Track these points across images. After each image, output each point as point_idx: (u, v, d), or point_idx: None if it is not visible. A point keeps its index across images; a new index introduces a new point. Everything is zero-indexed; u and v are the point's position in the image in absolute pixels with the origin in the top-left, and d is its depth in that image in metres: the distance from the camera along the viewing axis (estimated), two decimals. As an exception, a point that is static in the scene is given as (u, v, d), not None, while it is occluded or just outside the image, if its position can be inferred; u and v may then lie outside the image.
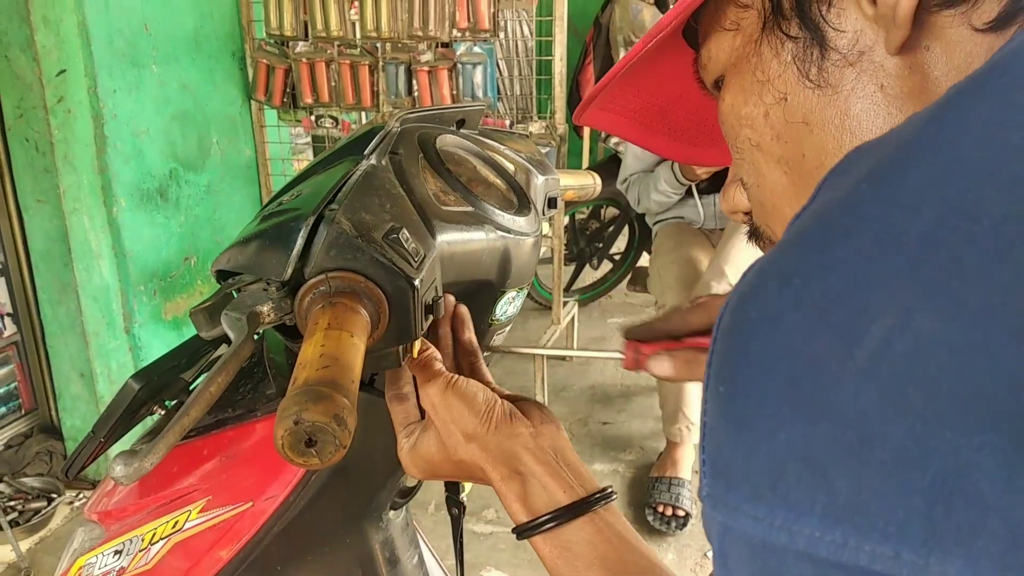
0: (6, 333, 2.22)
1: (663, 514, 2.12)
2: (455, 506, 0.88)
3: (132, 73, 2.15)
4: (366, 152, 0.58)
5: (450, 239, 0.57)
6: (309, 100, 2.60)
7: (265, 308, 0.50)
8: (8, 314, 2.23)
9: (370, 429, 0.68)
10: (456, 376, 0.55)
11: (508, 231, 0.64)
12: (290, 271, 0.48)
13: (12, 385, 2.27)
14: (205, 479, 0.66)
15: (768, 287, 0.28)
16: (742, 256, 2.15)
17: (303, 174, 0.61)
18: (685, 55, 0.50)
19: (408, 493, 0.81)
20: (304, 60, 2.54)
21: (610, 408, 2.78)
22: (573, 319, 3.16)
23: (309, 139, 2.83)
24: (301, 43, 2.55)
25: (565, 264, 3.22)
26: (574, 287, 3.72)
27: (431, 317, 0.53)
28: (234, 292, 0.53)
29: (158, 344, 2.33)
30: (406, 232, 0.51)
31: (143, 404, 0.71)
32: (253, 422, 0.65)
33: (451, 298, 0.62)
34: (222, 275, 0.54)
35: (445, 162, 0.66)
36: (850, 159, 0.30)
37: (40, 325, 2.26)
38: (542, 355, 2.66)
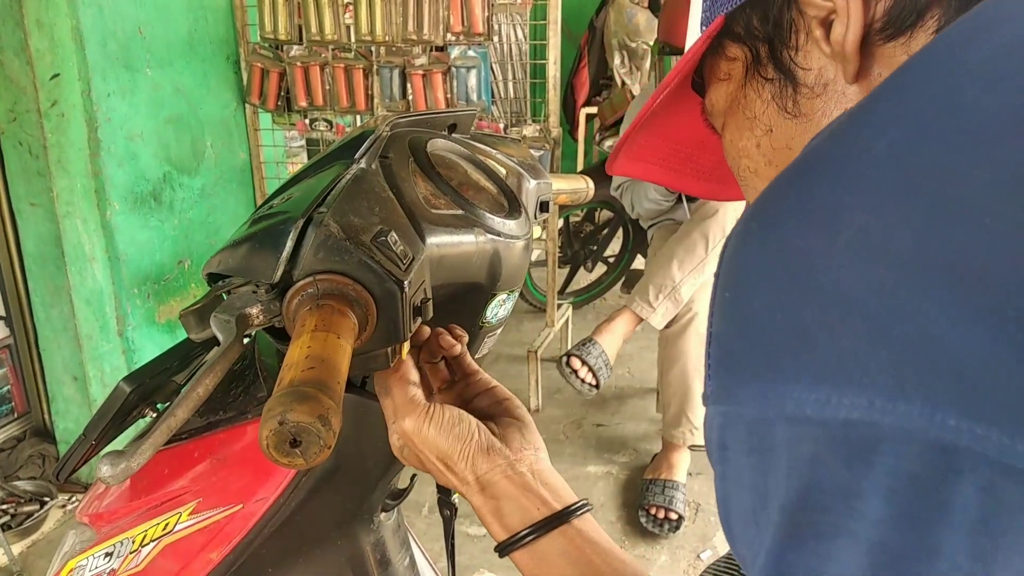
0: (-1, 336, 2.22)
1: (656, 516, 2.13)
2: (447, 508, 0.88)
3: (126, 77, 2.16)
4: (356, 156, 0.58)
5: (439, 242, 0.58)
6: (303, 103, 2.60)
7: (254, 310, 0.50)
8: (1, 317, 2.22)
9: (361, 431, 0.68)
10: (433, 406, 0.56)
11: (498, 234, 0.64)
12: (279, 273, 0.48)
13: (5, 388, 2.27)
14: (196, 481, 0.66)
15: (766, 206, 0.34)
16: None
17: (294, 178, 0.61)
18: (697, 103, 0.56)
19: (400, 495, 0.81)
20: (298, 64, 2.55)
21: (604, 410, 2.79)
22: (567, 322, 3.16)
23: (303, 142, 2.84)
24: (295, 47, 2.55)
25: (559, 267, 3.23)
26: (568, 290, 3.72)
27: (419, 319, 0.53)
28: (224, 295, 0.54)
29: (151, 347, 2.33)
30: (394, 235, 0.52)
31: (134, 407, 0.72)
32: (244, 424, 0.65)
33: (426, 329, 0.61)
34: (213, 278, 0.54)
35: (435, 166, 0.66)
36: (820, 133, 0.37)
37: (33, 328, 2.25)
38: (536, 357, 2.67)
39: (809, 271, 0.30)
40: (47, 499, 2.16)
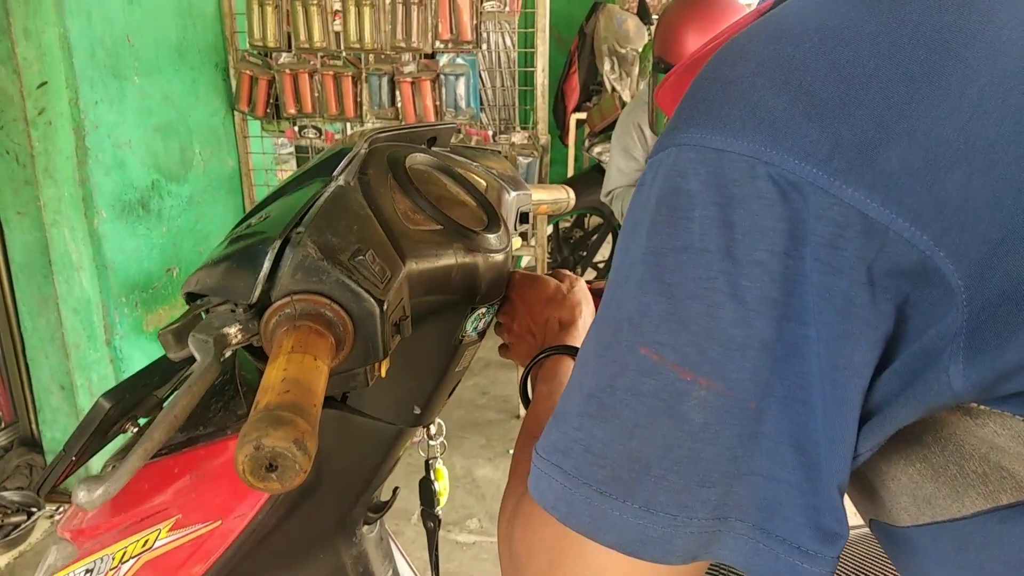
0: (-14, 345, 2.21)
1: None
2: (431, 519, 0.89)
3: (114, 85, 2.15)
4: (334, 173, 0.58)
5: (418, 258, 0.58)
6: (292, 111, 2.60)
7: (232, 330, 0.50)
8: (-12, 326, 2.21)
9: (342, 446, 0.68)
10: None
11: (477, 249, 0.64)
12: (257, 294, 0.48)
13: (-8, 398, 2.25)
14: (176, 497, 0.66)
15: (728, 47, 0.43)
16: None
17: (272, 195, 0.61)
18: None
19: (382, 508, 0.81)
20: (287, 71, 2.55)
21: (594, 417, 2.79)
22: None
23: (292, 149, 2.83)
24: (284, 54, 2.55)
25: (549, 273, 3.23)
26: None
27: (398, 336, 0.53)
28: (203, 313, 0.54)
29: (139, 356, 2.32)
30: (372, 253, 0.52)
31: (115, 422, 0.72)
32: (224, 440, 0.65)
33: None
34: (191, 296, 0.54)
35: (414, 181, 0.66)
36: None
37: (20, 337, 2.24)
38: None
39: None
40: (34, 510, 2.14)
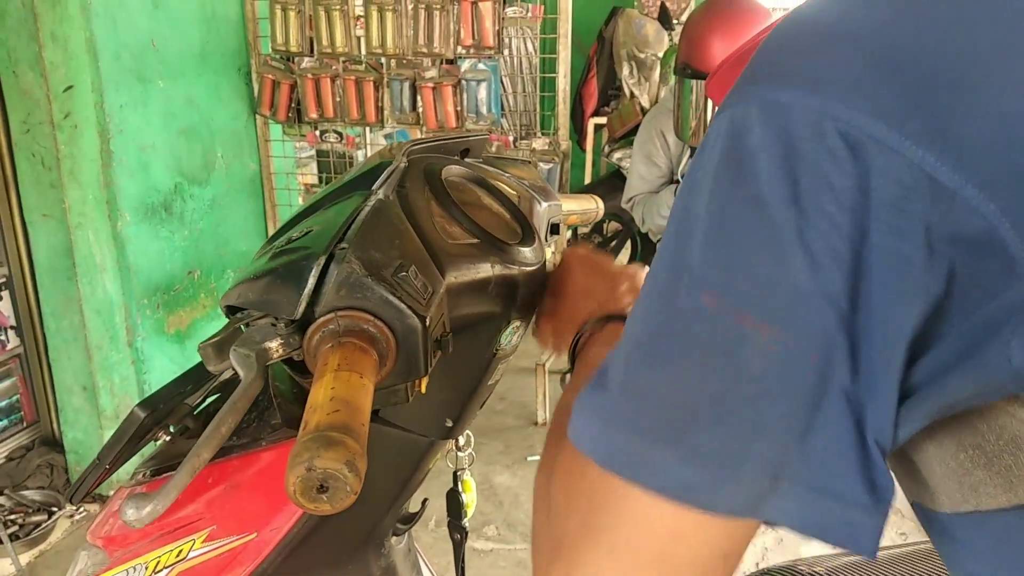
0: (9, 346, 2.23)
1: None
2: (457, 531, 0.88)
3: (138, 88, 2.17)
4: (374, 187, 0.58)
5: (457, 274, 0.58)
6: (314, 115, 2.61)
7: (274, 344, 0.50)
8: (12, 327, 2.23)
9: (374, 458, 0.68)
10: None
11: (513, 262, 0.64)
12: (301, 310, 0.48)
13: (14, 398, 2.27)
14: (210, 507, 0.66)
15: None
16: None
17: (309, 208, 0.61)
18: None
19: (411, 519, 0.81)
20: (309, 75, 2.56)
21: (612, 424, 2.78)
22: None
23: (313, 153, 2.85)
24: (307, 59, 2.56)
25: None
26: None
27: (440, 353, 0.53)
28: (243, 327, 0.54)
29: (160, 357, 2.34)
30: (415, 269, 0.52)
31: (148, 430, 0.72)
32: (259, 451, 0.65)
33: None
34: (231, 309, 0.54)
35: (450, 194, 0.66)
36: None
37: (43, 338, 2.26)
38: (544, 370, 2.66)
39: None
40: (55, 509, 2.16)
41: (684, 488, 0.38)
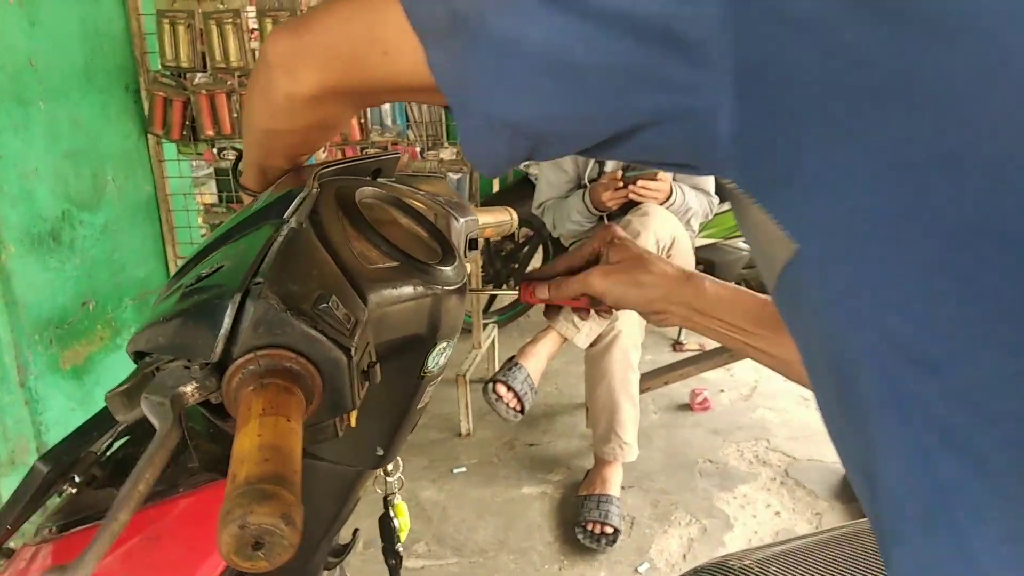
0: None
1: (592, 532, 2.14)
2: (392, 556, 0.87)
3: (18, 111, 2.03)
4: (286, 216, 0.56)
5: (380, 300, 0.56)
6: (211, 132, 2.52)
7: (189, 388, 0.47)
8: None
9: (304, 495, 0.66)
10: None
11: (435, 282, 0.63)
12: (218, 352, 0.46)
13: None
14: (126, 562, 0.62)
15: None
16: (656, 222, 2.21)
17: (217, 239, 0.58)
18: None
19: (342, 551, 0.79)
20: (203, 92, 2.46)
21: (535, 429, 2.79)
22: (493, 341, 3.16)
23: (212, 171, 2.74)
24: (200, 74, 2.46)
25: (482, 287, 3.22)
26: (492, 309, 3.72)
27: (367, 383, 0.51)
28: (153, 371, 0.50)
29: (56, 395, 2.20)
30: (335, 299, 0.50)
31: (51, 484, 0.67)
32: (176, 498, 0.62)
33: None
34: (139, 355, 0.51)
35: (366, 216, 0.64)
36: None
37: (-77, 383, 2.09)
38: (466, 380, 2.65)
39: None
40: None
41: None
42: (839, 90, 0.35)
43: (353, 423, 0.51)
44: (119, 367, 2.44)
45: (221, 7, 2.38)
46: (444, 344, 0.68)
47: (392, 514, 0.84)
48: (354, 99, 0.57)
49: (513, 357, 2.21)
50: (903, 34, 0.33)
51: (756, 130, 0.38)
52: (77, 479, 0.70)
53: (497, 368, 2.27)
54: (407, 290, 0.60)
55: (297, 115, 0.59)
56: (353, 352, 0.48)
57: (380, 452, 0.68)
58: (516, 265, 3.69)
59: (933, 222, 0.34)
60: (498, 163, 0.48)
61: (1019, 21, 0.32)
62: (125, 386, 0.49)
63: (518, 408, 2.15)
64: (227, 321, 0.45)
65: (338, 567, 0.79)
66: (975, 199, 0.34)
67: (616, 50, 0.38)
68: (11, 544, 0.70)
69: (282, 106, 0.57)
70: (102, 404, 0.63)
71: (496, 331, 3.23)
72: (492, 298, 3.70)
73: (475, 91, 0.44)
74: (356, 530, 0.84)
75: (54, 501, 0.70)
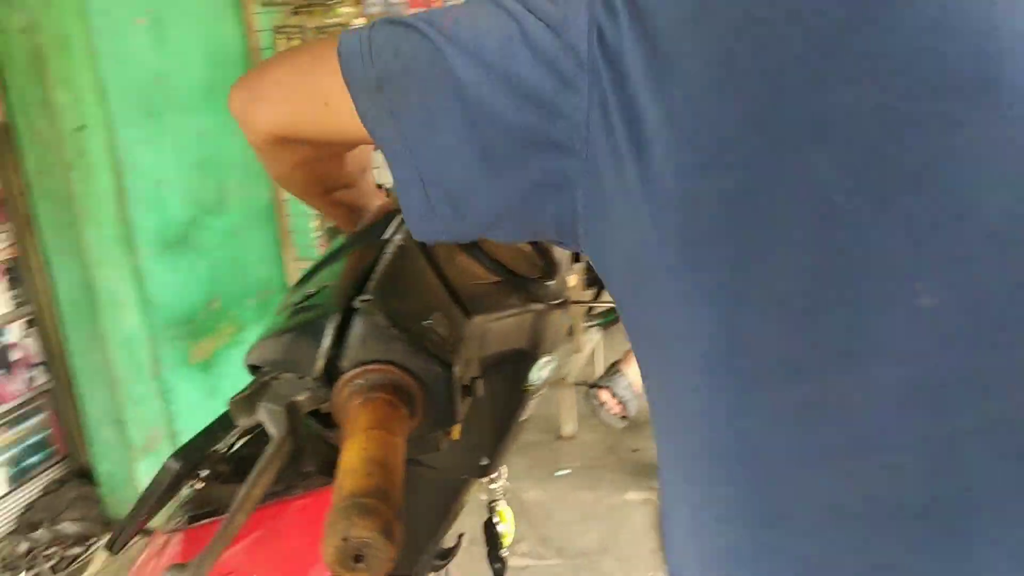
0: (38, 382, 2.25)
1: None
2: (496, 561, 0.88)
3: (149, 124, 2.19)
4: (389, 234, 0.58)
5: (483, 316, 0.57)
6: (324, 139, 2.62)
7: (302, 397, 0.50)
8: (40, 363, 2.25)
9: (409, 501, 0.68)
10: None
11: (538, 299, 0.64)
12: (320, 366, 0.48)
13: (46, 433, 2.29)
14: (248, 556, 0.66)
15: None
16: None
17: (325, 259, 0.61)
18: None
19: (447, 555, 0.81)
20: (318, 100, 2.56)
21: (639, 435, 2.76)
22: (598, 344, 3.14)
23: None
24: (314, 84, 2.57)
25: (584, 289, 3.21)
26: (595, 311, 3.69)
27: (469, 398, 0.53)
28: (272, 380, 0.54)
29: (186, 387, 2.35)
30: (439, 315, 0.52)
31: (181, 479, 0.72)
32: (291, 499, 0.65)
33: None
34: (253, 368, 0.54)
35: None
36: None
37: (70, 374, 2.28)
38: (568, 383, 2.65)
39: None
40: (92, 541, 2.17)
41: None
42: None
43: (456, 436, 0.52)
44: (242, 362, 2.58)
45: (332, 21, 2.47)
46: (547, 357, 0.68)
47: (496, 520, 0.85)
48: (317, 146, 0.57)
49: (616, 363, 2.19)
50: None
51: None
52: (204, 475, 0.75)
53: (602, 371, 2.26)
54: (510, 306, 0.61)
55: (275, 159, 0.59)
56: (455, 368, 0.49)
57: (485, 462, 0.70)
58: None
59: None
60: (428, 225, 0.48)
61: None
62: (245, 393, 0.52)
63: (622, 414, 2.13)
64: (327, 340, 0.48)
65: (444, 570, 0.82)
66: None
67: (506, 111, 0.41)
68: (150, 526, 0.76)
69: (259, 151, 0.58)
70: (227, 396, 0.67)
71: (600, 334, 3.21)
72: (595, 299, 3.67)
73: (405, 146, 0.45)
74: (461, 534, 0.85)
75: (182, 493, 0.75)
